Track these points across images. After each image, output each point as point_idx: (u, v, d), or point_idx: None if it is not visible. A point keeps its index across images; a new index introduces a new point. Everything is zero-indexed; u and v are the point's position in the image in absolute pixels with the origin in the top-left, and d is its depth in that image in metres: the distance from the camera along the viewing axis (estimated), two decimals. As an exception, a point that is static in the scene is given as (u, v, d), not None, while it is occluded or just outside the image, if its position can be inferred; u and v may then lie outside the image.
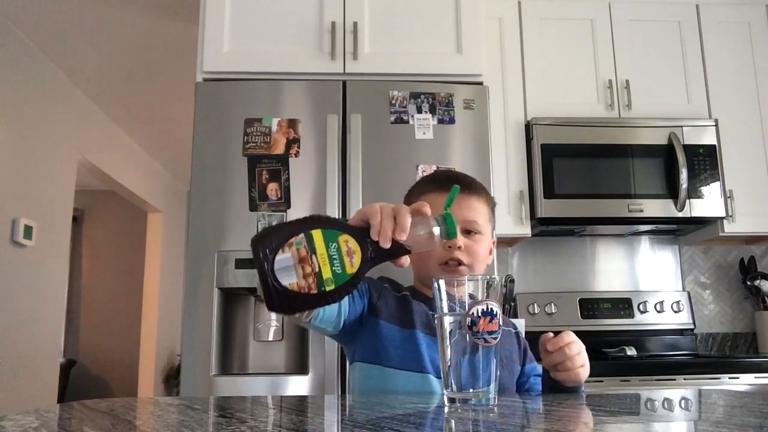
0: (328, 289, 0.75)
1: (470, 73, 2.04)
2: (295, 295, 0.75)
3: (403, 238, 0.77)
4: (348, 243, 0.76)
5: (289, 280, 0.74)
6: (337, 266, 0.75)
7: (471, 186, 1.14)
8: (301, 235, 0.75)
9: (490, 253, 1.15)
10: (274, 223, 0.78)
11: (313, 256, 0.75)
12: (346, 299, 1.02)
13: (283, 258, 0.75)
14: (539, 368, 1.14)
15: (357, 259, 0.76)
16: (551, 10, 2.56)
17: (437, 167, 1.90)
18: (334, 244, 0.75)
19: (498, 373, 0.76)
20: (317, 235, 0.76)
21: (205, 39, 2.00)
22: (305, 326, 1.03)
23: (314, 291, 0.75)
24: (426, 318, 1.07)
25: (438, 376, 1.00)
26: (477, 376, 0.74)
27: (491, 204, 1.18)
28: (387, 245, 0.77)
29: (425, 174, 1.88)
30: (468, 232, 1.10)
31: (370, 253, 0.77)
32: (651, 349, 2.50)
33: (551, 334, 1.00)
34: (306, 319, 0.96)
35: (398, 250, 0.79)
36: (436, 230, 0.79)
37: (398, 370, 1.04)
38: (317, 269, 0.75)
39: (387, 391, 1.04)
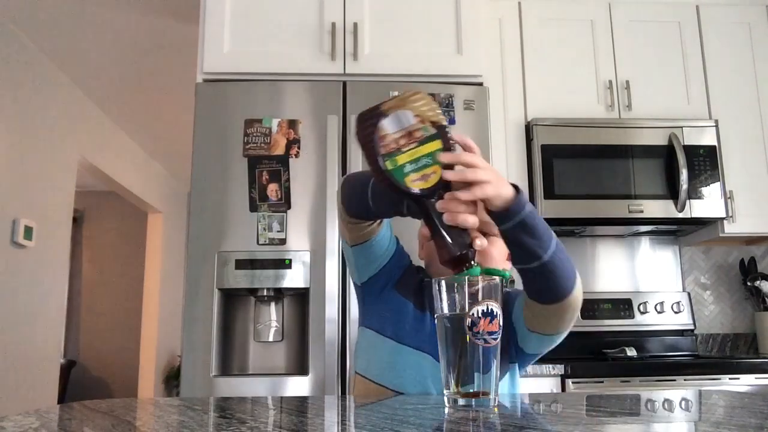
0: (386, 164, 0.78)
1: (470, 74, 2.04)
2: (373, 138, 0.79)
3: (447, 220, 0.78)
4: (434, 174, 0.79)
5: (388, 125, 0.79)
6: (409, 168, 0.78)
7: None
8: (435, 131, 0.80)
9: (508, 258, 1.12)
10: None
11: (414, 144, 0.79)
12: (393, 249, 1.11)
13: (407, 117, 0.79)
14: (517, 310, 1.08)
15: (417, 186, 0.79)
16: (551, 10, 2.56)
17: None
18: (430, 161, 0.79)
19: (498, 374, 0.76)
20: (435, 144, 0.80)
21: (205, 39, 2.00)
22: (351, 245, 1.09)
23: (381, 151, 0.79)
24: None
25: (437, 359, 1.02)
26: (477, 377, 0.74)
27: None
28: (438, 205, 0.78)
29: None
30: (483, 234, 1.08)
31: (428, 194, 0.79)
32: (651, 350, 2.50)
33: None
34: (362, 238, 1.06)
35: (426, 213, 0.80)
36: (455, 252, 0.79)
37: (402, 345, 1.08)
38: (402, 150, 0.79)
39: (388, 362, 1.08)
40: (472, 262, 0.79)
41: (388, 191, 0.81)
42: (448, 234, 0.78)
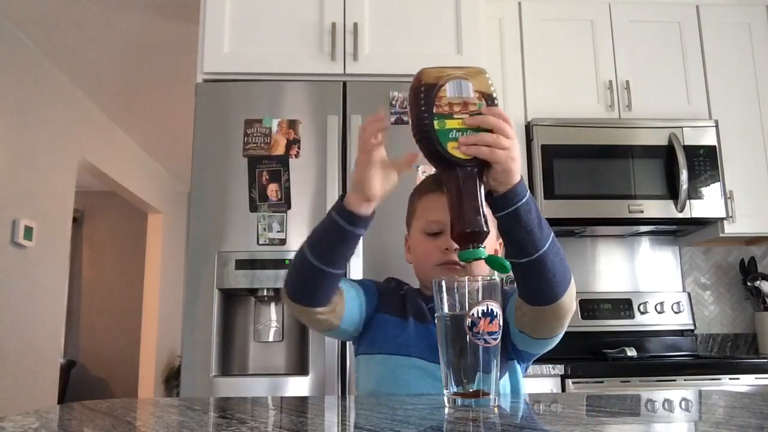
0: (435, 122, 0.82)
1: (470, 74, 2.03)
2: (430, 94, 0.83)
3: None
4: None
5: (449, 88, 0.83)
6: (454, 135, 0.82)
7: None
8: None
9: (495, 254, 1.14)
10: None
11: (465, 116, 0.83)
12: (364, 300, 1.11)
13: (468, 89, 0.84)
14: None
15: (456, 154, 0.82)
16: (551, 10, 2.56)
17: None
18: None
19: (498, 375, 0.76)
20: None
21: (205, 39, 2.00)
22: (329, 332, 1.12)
23: (434, 109, 0.82)
24: (418, 308, 1.12)
25: (428, 360, 1.05)
26: (477, 377, 0.74)
27: None
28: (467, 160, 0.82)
29: (426, 175, 1.89)
30: None
31: (462, 164, 0.82)
32: (651, 350, 2.50)
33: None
34: (332, 326, 1.07)
35: (454, 182, 0.82)
36: (470, 228, 0.81)
37: (389, 356, 1.09)
38: (453, 116, 0.83)
39: (377, 375, 1.09)
40: (481, 245, 0.81)
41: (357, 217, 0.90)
42: (468, 210, 0.81)
